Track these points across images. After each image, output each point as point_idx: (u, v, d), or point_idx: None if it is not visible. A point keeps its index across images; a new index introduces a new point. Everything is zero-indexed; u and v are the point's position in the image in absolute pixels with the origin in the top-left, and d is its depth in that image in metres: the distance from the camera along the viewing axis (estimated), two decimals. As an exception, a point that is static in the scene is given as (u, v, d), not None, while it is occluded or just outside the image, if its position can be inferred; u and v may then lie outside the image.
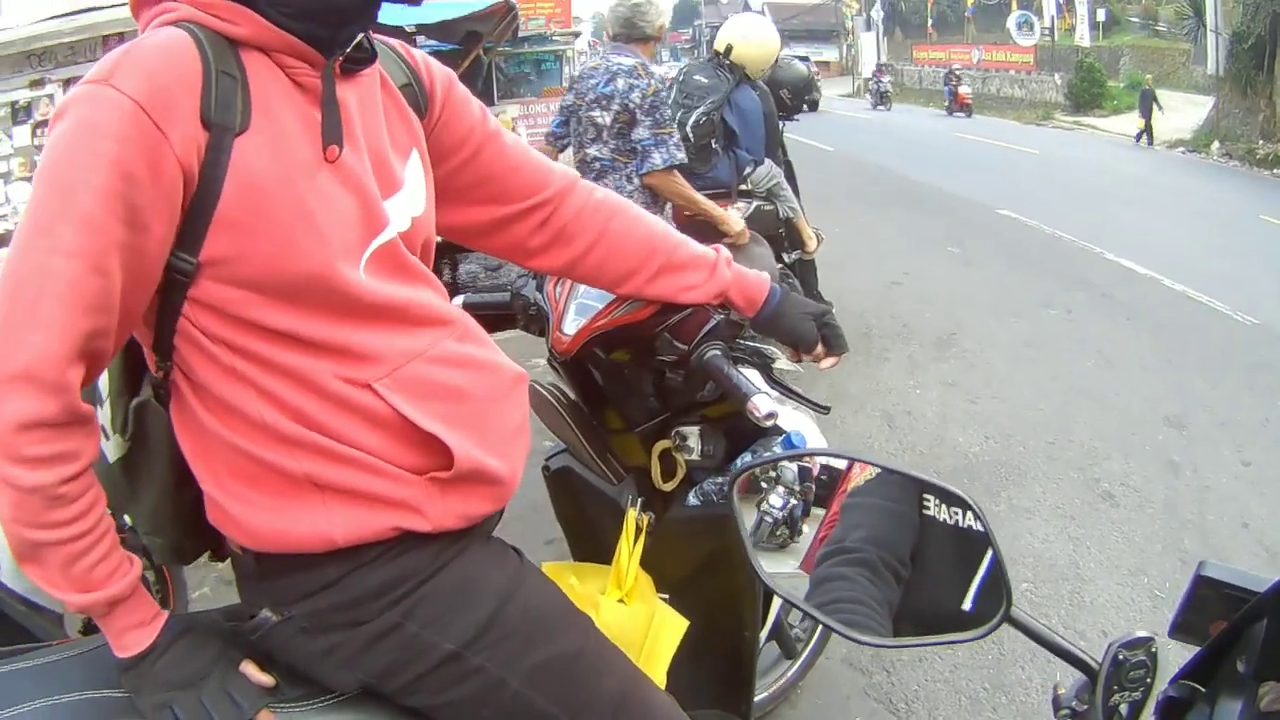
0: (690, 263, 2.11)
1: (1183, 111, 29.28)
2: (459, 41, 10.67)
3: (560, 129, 6.01)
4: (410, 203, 1.70)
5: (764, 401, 1.99)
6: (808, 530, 1.73)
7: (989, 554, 1.39)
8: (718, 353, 2.16)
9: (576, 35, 23.01)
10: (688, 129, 6.35)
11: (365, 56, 1.65)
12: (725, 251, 2.16)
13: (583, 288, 2.33)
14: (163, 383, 1.58)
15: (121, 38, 6.40)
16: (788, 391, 2.35)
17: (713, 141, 6.52)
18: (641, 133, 5.27)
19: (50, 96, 6.74)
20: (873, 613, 1.41)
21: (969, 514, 1.41)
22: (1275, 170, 23.42)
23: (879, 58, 51.84)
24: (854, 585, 1.45)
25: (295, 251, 1.48)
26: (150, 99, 1.37)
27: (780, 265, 7.12)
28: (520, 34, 16.05)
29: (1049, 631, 1.39)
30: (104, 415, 1.66)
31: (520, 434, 1.78)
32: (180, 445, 1.60)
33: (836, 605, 1.44)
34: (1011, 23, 44.38)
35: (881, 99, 41.78)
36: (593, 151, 5.47)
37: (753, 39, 6.74)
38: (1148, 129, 28.63)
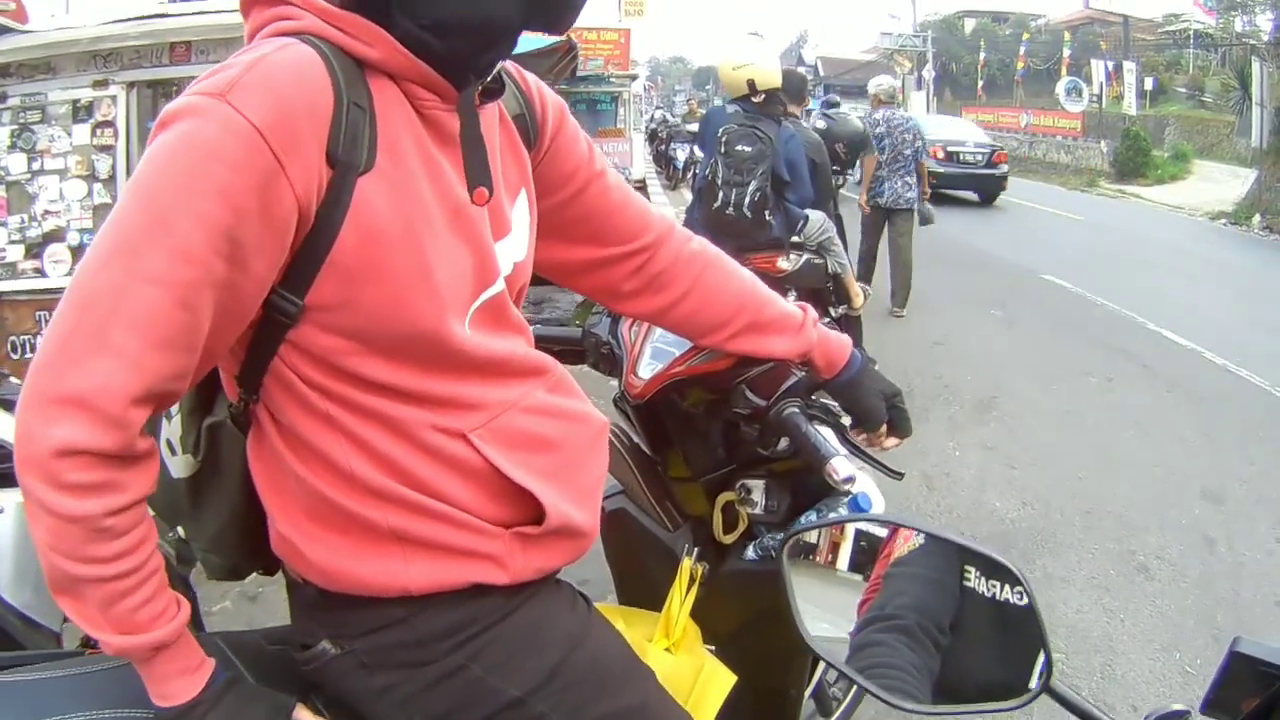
0: (779, 321, 2.08)
1: (1225, 184, 29.17)
2: None
3: None
4: (515, 247, 1.66)
5: (843, 464, 1.98)
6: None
7: (1033, 624, 1.40)
8: (796, 410, 2.14)
9: (634, 78, 23.03)
10: (745, 209, 6.50)
11: (497, 88, 1.60)
12: (812, 311, 2.13)
13: (659, 331, 2.33)
14: (242, 411, 1.53)
15: (189, 46, 6.61)
16: (861, 454, 2.28)
17: (766, 212, 6.62)
18: None
19: (113, 98, 6.73)
20: (910, 679, 1.42)
21: (1009, 586, 1.42)
22: (1317, 245, 23.25)
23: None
24: (893, 651, 1.46)
25: (407, 307, 1.42)
26: (274, 125, 1.27)
27: (826, 320, 7.10)
28: (579, 73, 16.07)
29: (1088, 704, 1.39)
30: (171, 430, 1.63)
31: (600, 484, 1.77)
32: (253, 476, 1.55)
33: (875, 670, 1.45)
34: (1061, 88, 44.30)
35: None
36: None
37: (759, 59, 6.81)
38: None
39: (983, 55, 57.27)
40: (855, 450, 2.23)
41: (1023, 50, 53.31)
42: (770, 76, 6.81)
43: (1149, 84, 44.32)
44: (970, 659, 1.48)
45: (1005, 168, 25.85)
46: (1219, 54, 44.98)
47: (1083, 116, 42.26)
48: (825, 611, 1.66)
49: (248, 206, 1.27)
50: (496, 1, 1.39)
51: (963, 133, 25.56)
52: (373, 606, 1.53)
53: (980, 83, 56.42)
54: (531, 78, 1.78)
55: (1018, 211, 24.62)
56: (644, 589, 2.40)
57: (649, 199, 18.87)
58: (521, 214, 1.69)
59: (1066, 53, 47.36)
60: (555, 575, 1.72)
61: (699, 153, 8.45)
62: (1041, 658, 1.40)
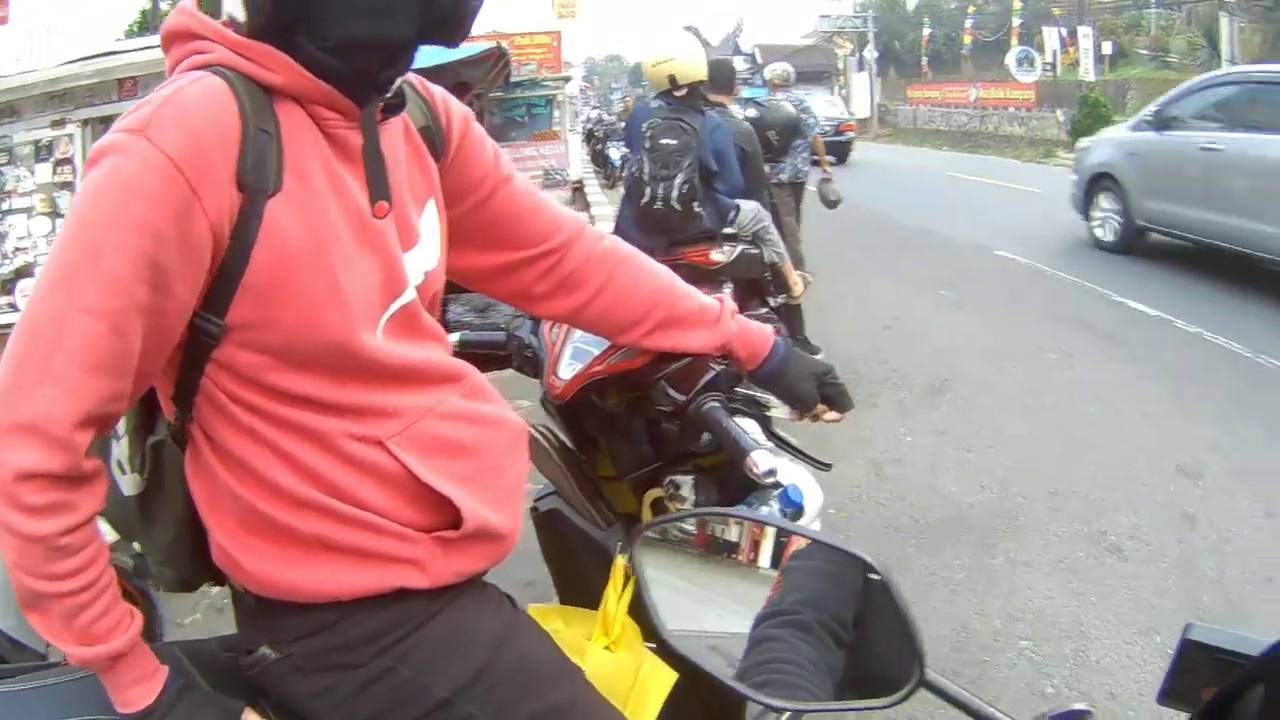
0: (694, 315, 2.18)
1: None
2: (449, 88, 10.84)
3: None
4: (425, 256, 1.78)
5: (763, 458, 2.05)
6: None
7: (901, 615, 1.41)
8: (716, 404, 2.22)
9: (567, 80, 23.76)
10: (673, 202, 6.62)
11: (398, 103, 1.72)
12: (730, 303, 2.23)
13: (579, 332, 2.42)
14: (180, 429, 1.67)
15: (136, 81, 7.33)
16: (786, 445, 2.40)
17: (695, 204, 6.70)
18: None
19: (70, 136, 7.37)
20: (806, 674, 1.42)
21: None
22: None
23: (872, 98, 52.32)
24: (789, 647, 1.46)
25: (319, 321, 1.54)
26: (186, 157, 1.41)
27: (765, 310, 7.32)
28: (512, 79, 16.50)
29: (970, 697, 1.42)
30: (120, 451, 1.78)
31: (521, 488, 1.89)
32: (192, 491, 1.69)
33: (769, 665, 1.45)
34: (1011, 59, 44.75)
35: None
36: None
37: (680, 53, 6.89)
38: None
39: (927, 31, 58.17)
40: (781, 443, 2.39)
41: (969, 23, 53.84)
42: (692, 70, 6.90)
43: (1107, 48, 44.79)
44: (874, 654, 1.50)
45: (851, 135, 33.82)
46: (1184, 12, 45.39)
47: (1036, 86, 42.78)
48: (686, 605, 1.71)
49: (167, 235, 1.41)
50: (392, 21, 1.51)
51: (818, 109, 27.60)
52: (305, 612, 1.66)
53: (925, 59, 57.19)
54: (437, 89, 1.92)
55: (968, 187, 24.82)
56: (581, 588, 2.50)
57: (587, 200, 19.18)
58: (430, 223, 1.81)
59: (1017, 22, 47.95)
60: (480, 578, 1.84)
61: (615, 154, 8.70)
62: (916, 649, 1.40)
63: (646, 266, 2.19)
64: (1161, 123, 13.34)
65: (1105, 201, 14.42)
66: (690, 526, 1.82)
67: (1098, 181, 14.51)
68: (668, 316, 2.16)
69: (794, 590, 1.52)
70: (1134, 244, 14.02)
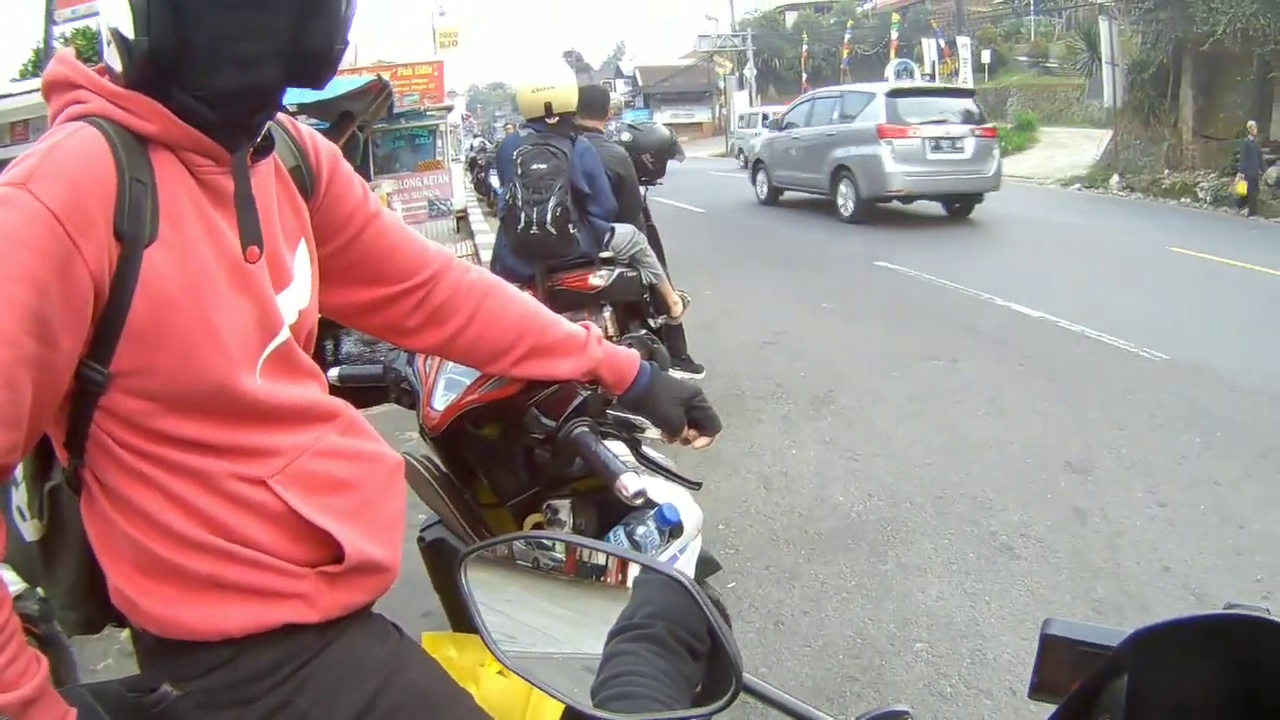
0: (561, 342, 2.29)
1: (1077, 148, 30.27)
2: (334, 121, 11.15)
3: None
4: (298, 296, 1.85)
5: (631, 480, 2.15)
6: None
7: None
8: (585, 429, 2.33)
9: (449, 109, 23.92)
10: (548, 225, 6.71)
11: (268, 145, 1.80)
12: (596, 329, 2.33)
13: (451, 364, 2.53)
14: (74, 474, 1.72)
15: (27, 125, 7.54)
16: (656, 467, 2.51)
17: (570, 226, 6.80)
18: None
19: None
20: (654, 685, 1.44)
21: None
22: (1182, 199, 24.56)
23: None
24: (640, 660, 1.48)
25: (198, 365, 1.62)
26: (67, 210, 1.47)
27: (646, 331, 7.42)
28: (396, 110, 16.58)
29: (788, 698, 1.47)
30: (20, 497, 1.84)
31: (400, 520, 1.95)
32: (89, 535, 1.73)
33: (619, 679, 1.47)
34: (890, 71, 45.33)
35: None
36: None
37: (559, 82, 6.99)
38: (1250, 198, 23.04)
39: (805, 47, 59.05)
40: (650, 465, 2.51)
41: (847, 37, 54.80)
42: (568, 99, 7.03)
43: (986, 56, 45.63)
44: (720, 664, 1.52)
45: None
46: (1064, 18, 46.37)
47: (911, 96, 43.30)
48: (528, 626, 1.74)
49: (51, 288, 1.47)
50: (260, 70, 1.62)
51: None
52: (202, 650, 1.71)
53: (805, 75, 57.64)
54: (305, 129, 1.98)
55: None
56: None
57: (471, 229, 19.16)
58: (303, 262, 1.89)
59: (894, 34, 48.58)
60: (368, 610, 1.91)
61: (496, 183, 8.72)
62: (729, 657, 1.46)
63: (513, 296, 2.28)
64: (779, 126, 24.92)
65: (760, 174, 25.21)
66: (523, 547, 1.81)
67: (758, 164, 25.46)
68: (535, 345, 2.25)
69: (645, 604, 1.55)
70: (776, 199, 24.38)
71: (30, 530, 1.84)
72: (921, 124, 19.41)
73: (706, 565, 3.12)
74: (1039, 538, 5.77)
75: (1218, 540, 5.85)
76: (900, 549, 5.64)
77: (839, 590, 5.20)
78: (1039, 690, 1.35)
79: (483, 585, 1.71)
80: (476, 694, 2.02)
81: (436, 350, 2.30)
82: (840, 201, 20.48)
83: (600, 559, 1.70)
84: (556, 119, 6.91)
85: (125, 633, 1.89)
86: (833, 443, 7.45)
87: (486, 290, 2.23)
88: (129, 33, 1.56)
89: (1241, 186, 22.99)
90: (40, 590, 1.98)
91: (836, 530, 5.90)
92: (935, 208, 20.81)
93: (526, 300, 2.31)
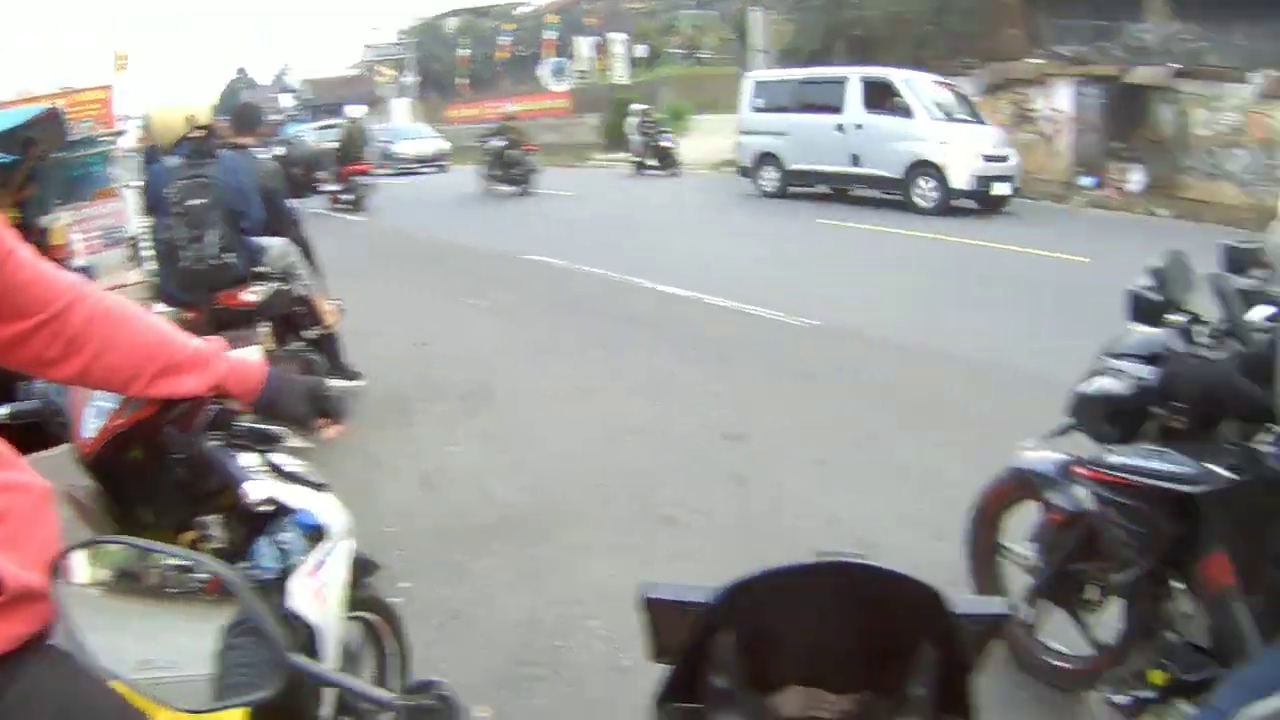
0: (187, 361, 2.32)
1: (729, 134, 31.11)
2: (19, 152, 10.95)
3: None
4: None
5: (253, 489, 2.31)
6: None
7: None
8: (216, 443, 2.45)
9: (121, 134, 23.11)
10: (210, 259, 6.75)
11: None
12: (220, 343, 2.39)
13: (98, 392, 2.52)
14: None
15: None
16: (287, 473, 2.62)
17: (232, 254, 6.85)
18: None
19: None
20: (257, 674, 1.50)
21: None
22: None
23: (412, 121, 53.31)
24: (244, 654, 1.52)
25: None
26: None
27: (302, 344, 7.52)
28: (70, 138, 16.00)
29: (341, 677, 1.58)
30: None
31: (54, 547, 1.80)
32: None
33: (228, 673, 1.53)
34: (545, 70, 46.05)
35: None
36: None
37: (195, 96, 7.06)
38: None
39: (465, 51, 59.88)
40: (281, 472, 2.61)
41: (505, 40, 55.34)
42: (206, 111, 7.03)
43: (641, 51, 46.58)
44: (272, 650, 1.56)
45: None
46: (718, 10, 47.65)
47: (571, 94, 44.12)
48: (135, 641, 1.71)
49: None
50: None
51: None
52: None
53: (465, 79, 58.30)
54: None
55: (503, 199, 25.31)
56: None
57: (140, 255, 18.68)
58: None
59: (551, 35, 49.42)
60: (43, 640, 1.78)
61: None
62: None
63: (141, 320, 2.29)
64: None
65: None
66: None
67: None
68: (165, 364, 2.28)
69: (251, 599, 1.56)
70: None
71: None
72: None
73: (365, 567, 3.18)
74: (700, 507, 5.87)
75: (880, 489, 6.10)
76: (564, 533, 5.67)
77: (504, 580, 5.21)
78: (662, 654, 1.42)
79: (83, 604, 1.70)
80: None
81: (78, 379, 2.29)
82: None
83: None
84: (203, 132, 6.85)
85: None
86: (491, 437, 7.48)
87: (118, 317, 2.23)
88: None
89: None
90: None
91: (499, 521, 5.89)
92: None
93: (156, 322, 2.34)
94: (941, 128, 20.96)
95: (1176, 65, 22.13)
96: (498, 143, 25.54)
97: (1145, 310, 3.48)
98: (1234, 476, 2.95)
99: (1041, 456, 3.98)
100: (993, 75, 26.11)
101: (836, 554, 1.32)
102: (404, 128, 42.76)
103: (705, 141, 32.90)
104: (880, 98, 22.32)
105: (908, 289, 11.91)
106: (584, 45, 46.37)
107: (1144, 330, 3.51)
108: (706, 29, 48.30)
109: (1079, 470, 3.53)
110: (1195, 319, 3.38)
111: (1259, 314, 3.11)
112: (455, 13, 69.63)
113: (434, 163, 38.88)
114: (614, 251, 15.18)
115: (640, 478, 6.40)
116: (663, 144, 30.81)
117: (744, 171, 25.61)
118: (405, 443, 7.33)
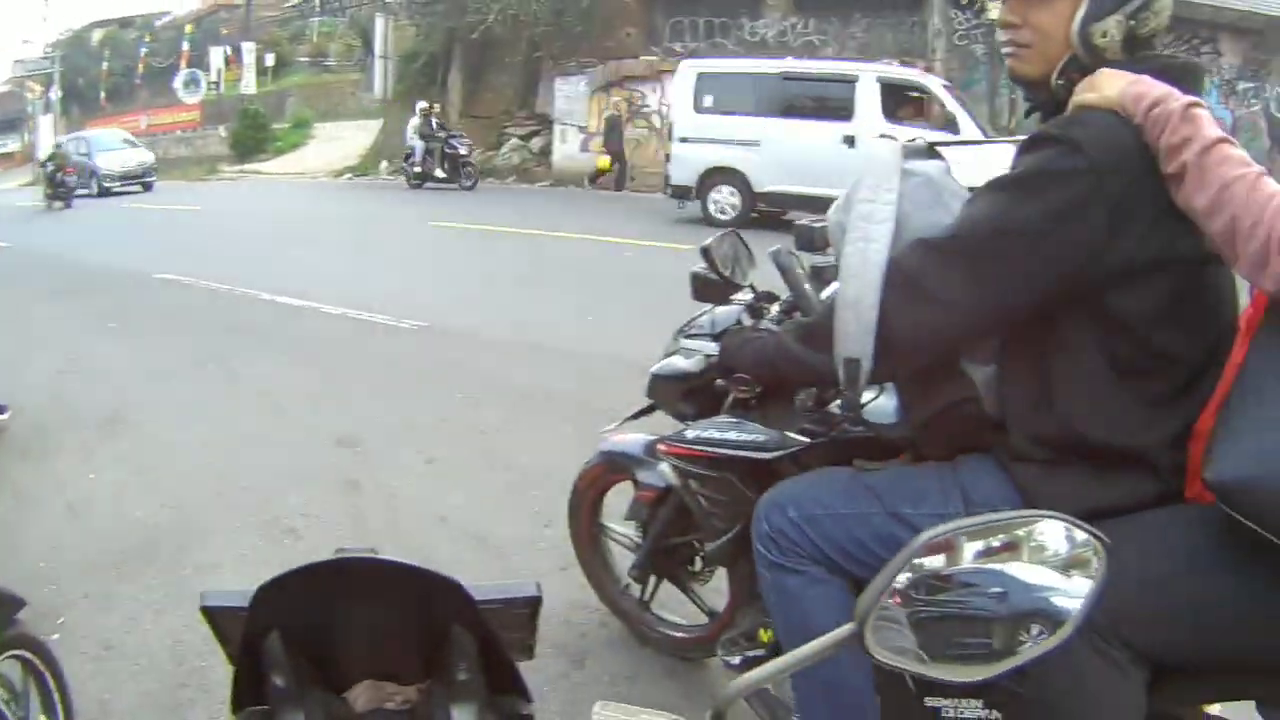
0: None
1: (350, 140, 31.27)
2: None
3: None
4: None
5: None
6: None
7: None
8: None
9: None
10: None
11: None
12: None
13: None
14: None
15: None
16: None
17: None
18: None
19: None
20: None
21: None
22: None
23: (55, 138, 51.29)
24: None
25: None
26: None
27: None
28: None
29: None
30: None
31: None
32: None
33: None
34: (178, 82, 45.03)
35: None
36: None
37: None
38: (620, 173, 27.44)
39: (106, 64, 57.84)
40: None
41: (143, 51, 53.83)
42: None
43: (269, 60, 45.91)
44: None
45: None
46: (347, 17, 47.32)
47: (201, 106, 43.24)
48: None
49: None
50: None
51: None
52: None
53: (104, 94, 56.44)
54: None
55: (137, 215, 25.24)
56: None
57: None
58: None
59: (186, 46, 48.17)
60: None
61: None
62: None
63: None
64: None
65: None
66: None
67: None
68: None
69: None
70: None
71: None
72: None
73: (12, 604, 3.19)
74: (317, 515, 6.23)
75: (489, 483, 6.63)
76: (198, 552, 5.88)
77: (149, 604, 5.28)
78: (234, 660, 1.50)
79: None
80: None
81: None
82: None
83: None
84: None
85: None
86: (127, 460, 7.57)
87: None
88: None
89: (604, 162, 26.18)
90: None
91: (143, 544, 6.02)
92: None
93: None
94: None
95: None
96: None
97: (706, 290, 3.58)
98: (804, 440, 3.07)
99: (628, 438, 4.25)
100: (605, 74, 27.34)
101: (353, 550, 1.41)
102: (97, 136, 37.58)
103: (328, 149, 33.30)
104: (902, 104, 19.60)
105: (517, 283, 12.78)
106: (217, 55, 45.45)
107: (718, 310, 3.64)
108: (334, 36, 47.83)
109: (661, 447, 3.63)
110: (769, 295, 3.56)
111: (833, 290, 3.08)
112: (102, 23, 66.43)
113: (140, 179, 34.12)
114: (236, 265, 15.56)
115: (260, 489, 6.70)
116: (460, 151, 27.37)
117: (677, 193, 21.50)
118: (48, 474, 7.37)
